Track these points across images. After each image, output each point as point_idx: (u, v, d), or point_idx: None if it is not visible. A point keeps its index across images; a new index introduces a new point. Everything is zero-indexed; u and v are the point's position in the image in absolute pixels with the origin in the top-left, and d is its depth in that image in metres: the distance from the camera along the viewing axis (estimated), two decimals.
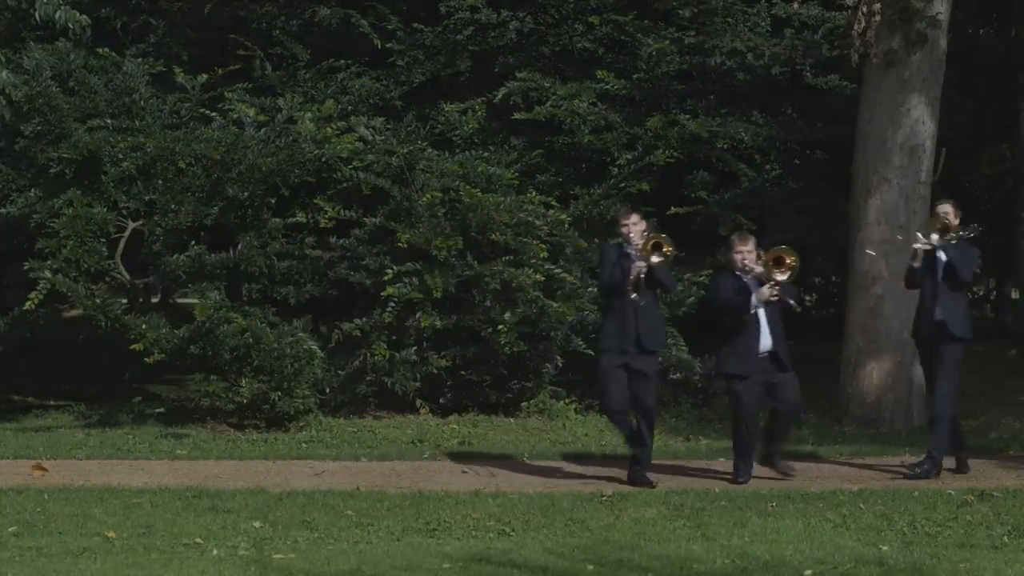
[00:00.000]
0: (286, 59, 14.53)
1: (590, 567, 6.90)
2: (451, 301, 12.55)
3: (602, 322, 9.81)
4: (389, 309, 12.33)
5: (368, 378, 12.75)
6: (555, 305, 12.45)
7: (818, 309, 20.41)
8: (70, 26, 12.44)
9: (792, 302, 9.41)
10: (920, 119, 12.35)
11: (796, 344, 10.35)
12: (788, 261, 9.32)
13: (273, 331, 12.10)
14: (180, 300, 15.70)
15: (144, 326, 12.07)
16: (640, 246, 9.32)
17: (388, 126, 13.56)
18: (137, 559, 7.17)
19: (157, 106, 13.43)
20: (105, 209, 12.48)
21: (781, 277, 9.31)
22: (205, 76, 13.47)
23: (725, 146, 13.91)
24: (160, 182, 12.71)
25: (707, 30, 14.63)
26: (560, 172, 13.98)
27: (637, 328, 9.34)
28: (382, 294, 12.37)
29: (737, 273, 9.51)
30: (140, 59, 13.67)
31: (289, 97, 13.46)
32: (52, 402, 13.93)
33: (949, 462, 9.88)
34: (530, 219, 12.63)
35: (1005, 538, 7.50)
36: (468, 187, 12.45)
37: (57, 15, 12.34)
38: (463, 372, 12.93)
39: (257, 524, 8.00)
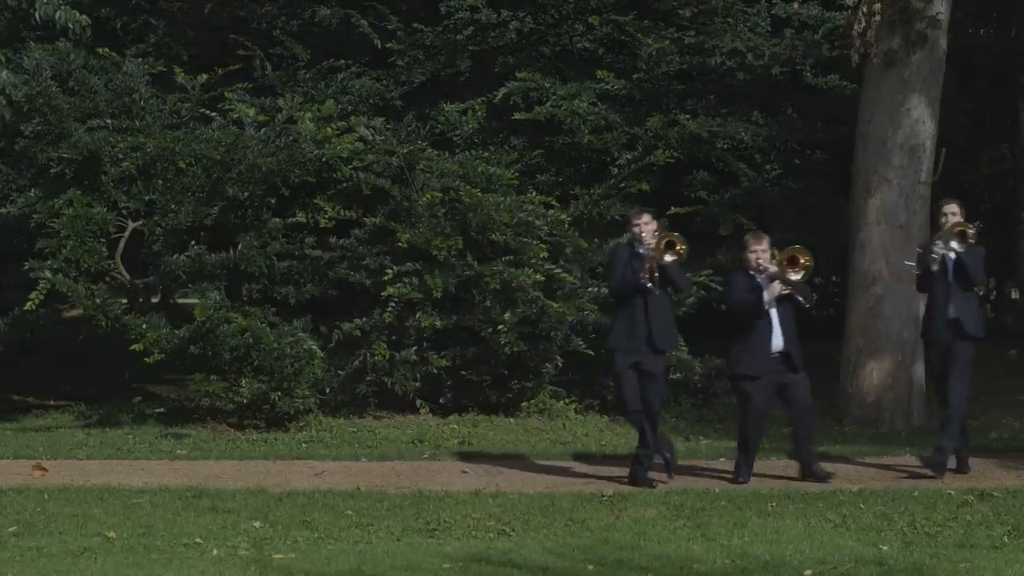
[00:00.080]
0: (286, 59, 14.53)
1: (590, 567, 6.90)
2: (451, 301, 12.55)
3: (612, 322, 9.79)
4: (389, 309, 12.33)
5: (368, 378, 12.75)
6: (555, 305, 12.45)
7: (818, 309, 20.41)
8: (70, 26, 12.44)
9: (801, 298, 9.39)
10: (920, 119, 12.35)
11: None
12: (802, 261, 9.32)
13: (273, 331, 12.10)
14: (180, 300, 15.70)
15: (144, 326, 12.07)
16: (653, 245, 9.32)
17: (388, 126, 13.57)
18: (137, 559, 7.17)
19: (157, 106, 13.43)
20: (105, 209, 12.48)
21: (795, 277, 9.31)
22: (205, 76, 13.48)
23: (725, 146, 13.91)
24: (160, 182, 12.71)
25: (707, 30, 14.63)
26: (560, 172, 13.99)
27: (648, 327, 9.33)
28: (382, 294, 12.37)
29: (751, 272, 9.50)
30: (140, 59, 13.67)
31: (289, 97, 13.46)
32: (52, 402, 13.93)
33: (950, 462, 9.88)
34: (530, 219, 12.63)
35: (1005, 538, 7.50)
36: (468, 187, 12.45)
37: (57, 15, 12.34)
38: (463, 372, 12.94)
39: (257, 524, 8.00)
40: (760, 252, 9.49)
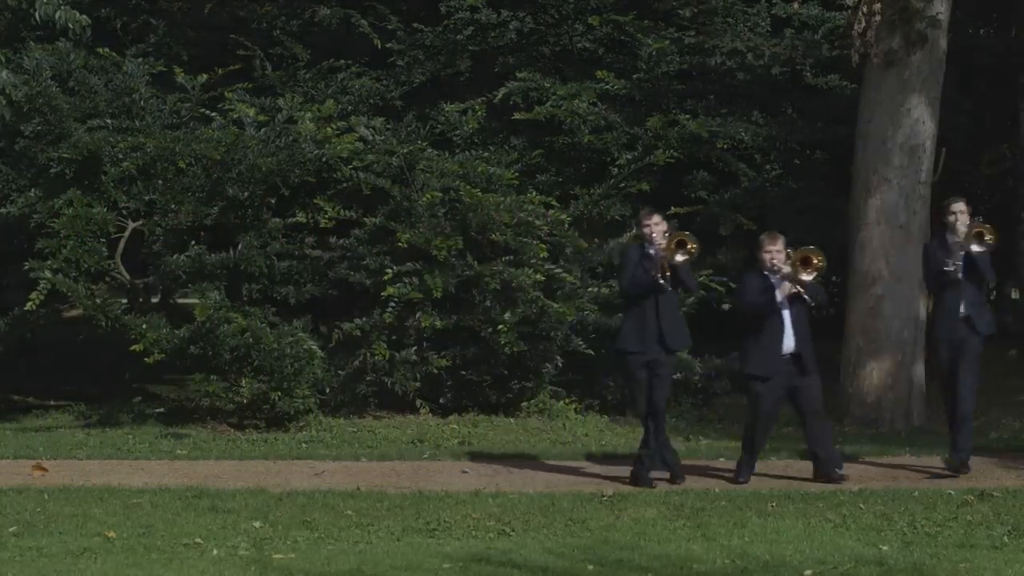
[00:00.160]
0: (286, 59, 14.53)
1: (590, 567, 6.90)
2: (451, 301, 12.55)
3: (622, 323, 9.77)
4: (389, 309, 12.33)
5: (368, 378, 12.75)
6: (555, 305, 12.45)
7: (818, 309, 20.40)
8: (70, 26, 12.44)
9: (807, 297, 9.35)
10: (920, 119, 12.35)
11: None
12: (815, 261, 9.32)
13: (273, 331, 12.10)
14: (180, 300, 15.70)
15: (144, 326, 12.07)
16: (664, 245, 9.31)
17: (388, 126, 13.57)
18: (137, 559, 7.16)
19: (157, 106, 13.43)
20: (105, 209, 12.48)
21: (807, 277, 9.30)
22: (205, 76, 13.48)
23: (725, 146, 13.91)
24: (160, 182, 12.71)
25: (707, 30, 14.63)
26: (560, 172, 13.99)
27: (660, 328, 9.32)
28: (382, 294, 12.37)
29: (765, 273, 9.48)
30: (140, 59, 13.67)
31: (289, 97, 13.46)
32: (52, 402, 13.93)
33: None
34: (530, 219, 12.63)
35: (1005, 538, 7.50)
36: (468, 187, 12.45)
37: (57, 15, 12.34)
38: (463, 372, 12.93)
39: (257, 524, 8.00)
40: (775, 252, 9.45)
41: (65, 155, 12.48)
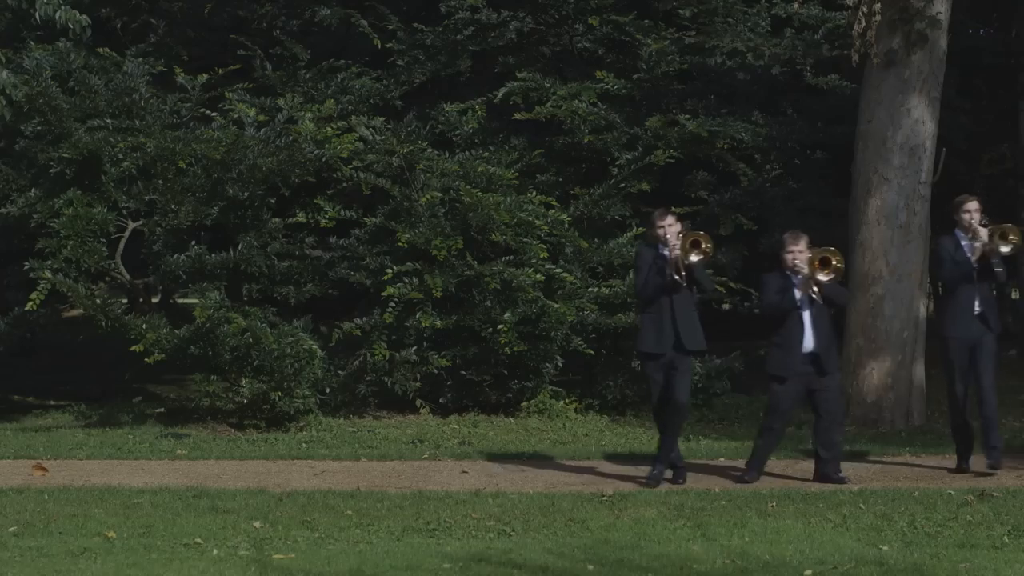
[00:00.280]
0: (286, 59, 14.54)
1: (590, 567, 6.90)
2: (451, 301, 12.56)
3: (639, 325, 9.75)
4: (389, 309, 12.34)
5: (368, 378, 12.76)
6: (555, 305, 12.46)
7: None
8: (70, 26, 12.45)
9: (820, 296, 9.34)
10: (920, 119, 12.34)
11: None
12: (834, 262, 9.32)
13: (273, 331, 12.10)
14: (180, 300, 15.73)
15: (144, 326, 12.08)
16: (678, 246, 9.30)
17: (388, 126, 13.58)
18: (137, 559, 7.16)
19: (157, 106, 13.44)
20: (105, 209, 12.49)
21: (824, 278, 9.30)
22: (205, 76, 13.49)
23: (725, 146, 13.91)
24: (160, 182, 12.72)
25: (707, 30, 14.64)
26: (560, 172, 13.99)
27: (676, 329, 9.30)
28: (382, 294, 12.37)
29: (787, 273, 9.47)
30: (140, 59, 13.68)
31: (289, 97, 13.47)
32: (52, 402, 13.94)
33: (950, 462, 9.89)
34: (530, 219, 12.63)
35: (1005, 538, 7.49)
36: (468, 187, 12.45)
37: (57, 15, 12.35)
38: (463, 372, 12.94)
39: (257, 524, 7.99)
40: (797, 252, 9.41)
41: (65, 155, 12.49)
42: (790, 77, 14.96)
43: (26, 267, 12.25)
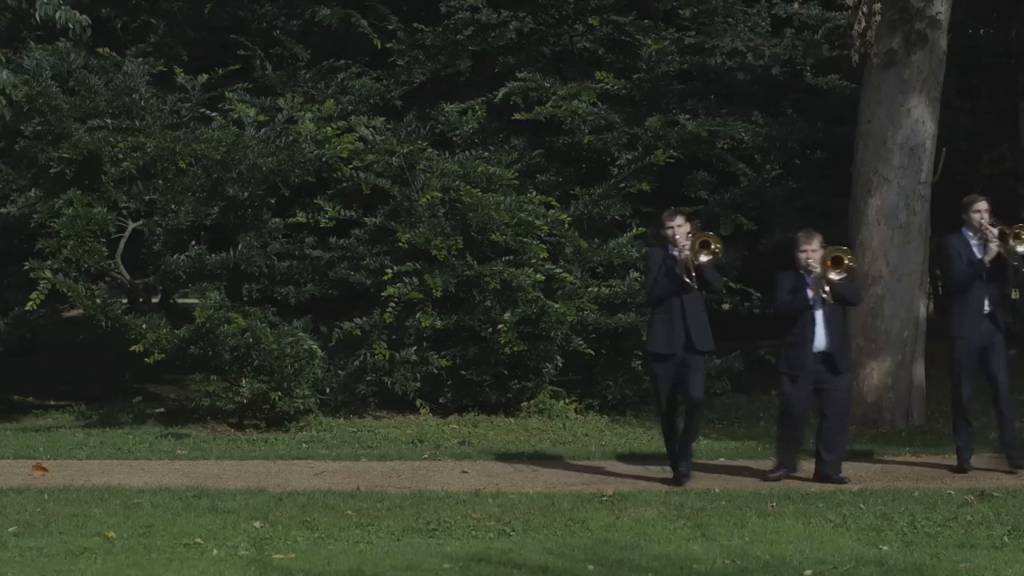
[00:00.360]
0: (286, 59, 14.54)
1: (590, 567, 6.90)
2: (451, 301, 12.56)
3: (649, 326, 9.74)
4: (389, 309, 12.34)
5: (368, 378, 12.76)
6: (555, 305, 12.46)
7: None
8: (70, 26, 12.46)
9: (830, 295, 9.33)
10: (920, 119, 12.34)
11: None
12: (846, 261, 9.33)
13: (273, 331, 12.10)
14: (180, 300, 15.73)
15: (144, 326, 12.08)
16: (687, 247, 9.30)
17: (388, 126, 13.58)
18: (137, 559, 7.16)
19: (157, 106, 13.44)
20: (105, 209, 12.49)
21: (836, 277, 9.30)
22: (205, 76, 13.49)
23: (725, 146, 13.91)
24: (160, 182, 12.72)
25: (707, 30, 14.64)
26: (560, 172, 13.99)
27: (687, 330, 9.29)
28: (382, 294, 12.37)
29: (800, 272, 9.48)
30: (140, 59, 13.69)
31: (289, 97, 13.47)
32: (52, 402, 13.94)
33: (950, 462, 9.89)
34: (530, 219, 12.63)
35: (1005, 538, 7.49)
36: (468, 187, 12.45)
37: (57, 15, 12.35)
38: (463, 372, 12.94)
39: (257, 524, 7.99)
40: (810, 251, 9.42)
41: (65, 155, 12.49)
42: (790, 77, 14.96)
43: (26, 267, 12.24)
